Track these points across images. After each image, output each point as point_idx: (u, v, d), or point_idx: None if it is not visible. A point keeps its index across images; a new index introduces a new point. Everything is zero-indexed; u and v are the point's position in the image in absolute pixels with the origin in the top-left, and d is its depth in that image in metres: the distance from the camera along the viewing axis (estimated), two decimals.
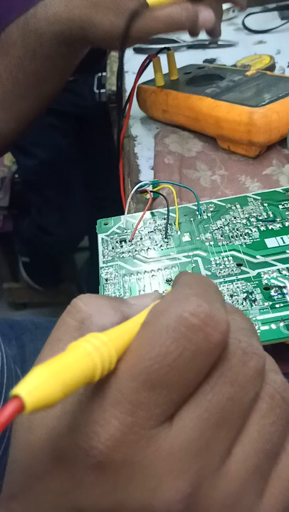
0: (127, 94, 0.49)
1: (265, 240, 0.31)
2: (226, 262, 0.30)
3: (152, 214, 0.35)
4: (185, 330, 0.14)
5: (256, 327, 0.27)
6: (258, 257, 0.30)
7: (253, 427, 0.16)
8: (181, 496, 0.14)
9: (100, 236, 0.34)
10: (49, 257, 1.26)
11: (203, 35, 0.70)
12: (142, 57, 0.48)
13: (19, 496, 0.16)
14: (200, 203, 0.34)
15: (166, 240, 0.32)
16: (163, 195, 0.35)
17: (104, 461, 0.14)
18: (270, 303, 0.28)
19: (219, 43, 0.68)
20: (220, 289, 0.29)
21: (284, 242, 0.31)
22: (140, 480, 0.15)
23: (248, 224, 0.33)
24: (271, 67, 0.58)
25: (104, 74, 1.00)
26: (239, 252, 0.31)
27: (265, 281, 0.29)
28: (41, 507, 0.16)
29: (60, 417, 0.16)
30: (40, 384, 0.12)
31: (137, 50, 0.67)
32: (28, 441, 0.16)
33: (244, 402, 0.15)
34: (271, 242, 0.31)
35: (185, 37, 0.69)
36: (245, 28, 0.72)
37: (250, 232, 0.32)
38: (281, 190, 0.35)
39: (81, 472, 0.15)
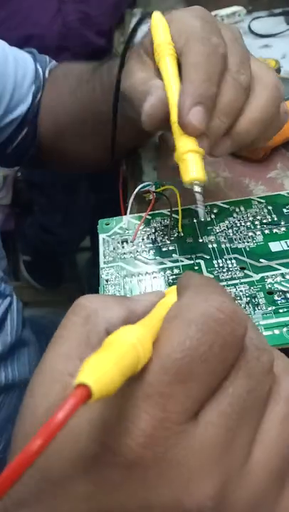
0: None
1: (269, 243, 0.31)
2: (229, 265, 0.30)
3: (155, 215, 0.34)
4: (214, 324, 0.15)
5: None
6: (261, 260, 0.30)
7: (272, 430, 0.16)
8: (212, 493, 0.14)
9: (101, 236, 0.33)
10: (51, 257, 1.26)
11: None
12: None
13: (30, 503, 0.15)
14: (204, 205, 0.34)
15: (168, 242, 0.32)
16: (166, 197, 0.34)
17: (134, 459, 0.14)
18: (274, 308, 0.27)
19: None
20: None
21: (288, 247, 0.30)
22: (170, 478, 0.14)
23: (252, 227, 0.32)
24: (277, 71, 0.57)
25: None
26: (243, 255, 0.30)
27: (269, 286, 0.28)
28: None
29: (79, 418, 0.15)
30: (105, 372, 0.13)
31: None
32: None
33: (261, 395, 0.16)
34: (275, 246, 0.31)
35: None
36: (251, 32, 0.72)
37: (254, 235, 0.32)
38: (286, 194, 0.34)
39: (108, 473, 0.14)
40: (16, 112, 0.48)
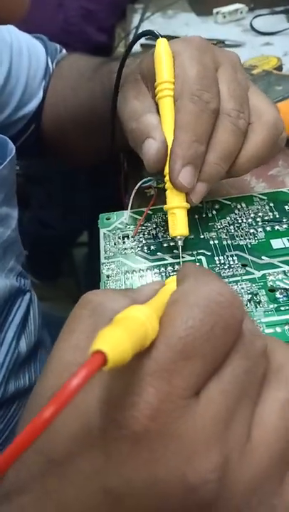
0: None
1: (271, 240, 0.31)
2: (231, 262, 0.30)
3: (156, 211, 0.34)
4: (215, 306, 0.16)
5: (260, 329, 0.26)
6: (263, 257, 0.30)
7: (273, 414, 0.16)
8: (214, 466, 0.15)
9: (102, 231, 0.33)
10: (48, 251, 1.25)
11: (211, 35, 0.70)
12: None
13: (31, 489, 0.16)
14: (205, 201, 0.34)
15: (169, 238, 0.32)
16: None
17: (140, 431, 0.14)
18: (275, 305, 0.27)
19: (227, 43, 0.68)
20: None
21: None
22: (174, 451, 0.15)
23: (254, 224, 0.32)
24: (278, 69, 0.57)
25: None
26: (244, 252, 0.30)
27: (270, 283, 0.28)
28: (62, 493, 0.15)
29: (84, 393, 0.15)
30: (119, 342, 0.13)
31: (144, 47, 0.66)
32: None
33: (257, 376, 0.17)
34: (277, 243, 0.30)
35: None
36: (253, 29, 0.71)
37: (255, 232, 0.31)
38: (287, 191, 0.34)
39: (114, 448, 0.15)
40: (27, 108, 0.48)
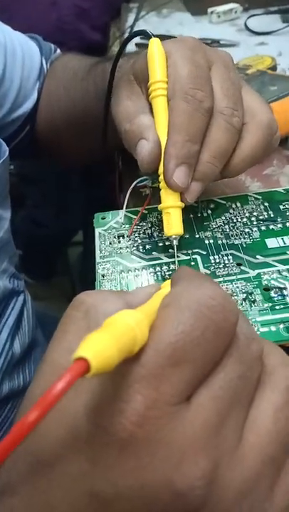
0: None
1: (266, 240, 0.31)
2: (226, 261, 0.30)
3: (151, 210, 0.34)
4: (207, 310, 0.15)
5: (255, 328, 0.26)
6: (258, 257, 0.30)
7: (266, 418, 0.16)
8: (202, 473, 0.14)
9: (97, 230, 0.33)
10: (42, 250, 1.25)
11: (205, 34, 0.70)
12: None
13: (20, 490, 0.16)
14: (200, 200, 0.34)
15: (164, 237, 0.32)
16: None
17: (127, 438, 0.14)
18: (270, 304, 0.27)
19: (221, 42, 0.68)
20: None
21: (284, 243, 0.30)
22: (162, 457, 0.14)
23: (249, 223, 0.32)
24: (272, 68, 0.57)
25: None
26: (239, 251, 0.30)
27: (265, 282, 0.28)
28: (50, 495, 0.15)
29: (74, 398, 0.16)
30: (104, 348, 0.13)
31: (139, 46, 0.66)
32: (38, 428, 0.16)
33: (251, 381, 0.16)
34: (272, 243, 0.31)
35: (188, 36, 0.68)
36: (248, 29, 0.72)
37: (250, 231, 0.32)
38: (282, 191, 0.34)
39: (102, 453, 0.15)
40: (21, 109, 0.48)
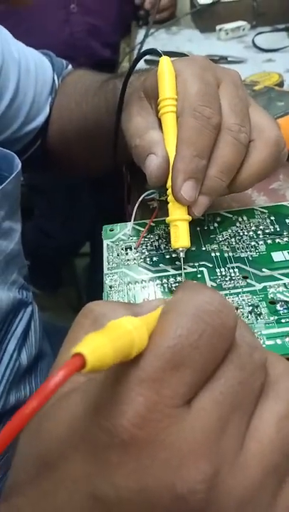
0: None
1: (272, 253, 0.31)
2: (232, 274, 0.30)
3: (158, 223, 0.34)
4: (204, 315, 0.16)
5: (261, 341, 0.26)
6: (264, 270, 0.30)
7: (269, 427, 0.16)
8: (203, 477, 0.15)
9: (105, 242, 0.33)
10: (50, 261, 1.26)
11: (214, 51, 0.71)
12: None
13: (27, 491, 0.16)
14: (207, 213, 0.34)
15: (171, 249, 0.32)
16: None
17: (128, 439, 0.15)
18: (276, 317, 0.27)
19: (229, 59, 0.69)
20: None
21: None
22: (163, 460, 0.15)
23: (255, 237, 0.33)
24: (280, 85, 0.58)
25: None
26: (245, 264, 0.31)
27: (271, 295, 0.28)
28: (55, 496, 0.16)
29: (80, 403, 0.16)
30: (100, 346, 0.13)
31: (148, 63, 0.67)
32: (44, 430, 0.16)
33: (253, 388, 0.17)
34: (278, 256, 0.31)
35: (196, 52, 0.69)
36: (255, 46, 0.73)
37: (256, 245, 0.32)
38: (288, 205, 0.35)
39: (104, 454, 0.15)
40: (34, 123, 0.49)
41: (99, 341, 0.14)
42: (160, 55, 0.31)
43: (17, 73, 0.45)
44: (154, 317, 0.17)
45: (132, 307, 0.19)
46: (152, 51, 0.32)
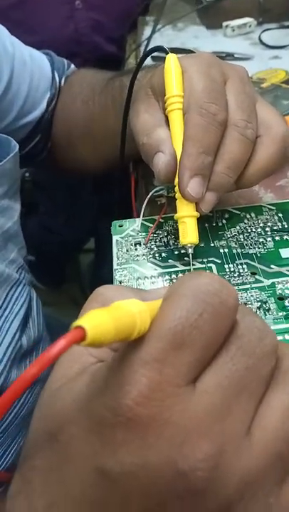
0: None
1: (280, 250, 0.31)
2: (240, 270, 0.30)
3: (167, 219, 0.35)
4: (203, 295, 0.16)
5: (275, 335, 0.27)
6: (272, 266, 0.30)
7: (275, 415, 0.16)
8: (204, 456, 0.15)
9: (114, 238, 0.34)
10: (54, 257, 1.26)
11: (220, 48, 0.71)
12: None
13: (38, 465, 0.17)
14: (215, 210, 0.34)
15: (180, 246, 0.32)
16: None
17: (132, 418, 0.15)
18: (284, 313, 0.28)
19: (235, 56, 0.69)
20: None
21: None
22: (166, 438, 0.15)
23: (263, 233, 0.33)
24: (286, 82, 0.58)
25: None
26: (253, 260, 0.31)
27: (280, 291, 0.29)
28: (64, 470, 0.16)
29: (88, 383, 0.17)
30: (101, 323, 0.14)
31: (155, 59, 0.67)
32: (54, 408, 0.17)
33: (261, 373, 0.17)
34: (286, 253, 0.31)
35: (203, 49, 0.69)
36: (262, 42, 0.73)
37: (264, 241, 0.32)
38: None
39: (110, 432, 0.15)
40: (30, 117, 0.49)
41: (101, 318, 0.14)
42: (167, 52, 0.31)
43: (11, 64, 0.46)
44: (158, 304, 0.17)
45: (141, 293, 0.20)
46: (159, 48, 0.32)
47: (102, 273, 1.14)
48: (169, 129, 0.30)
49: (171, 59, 0.30)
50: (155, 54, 0.66)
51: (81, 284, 1.31)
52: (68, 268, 1.36)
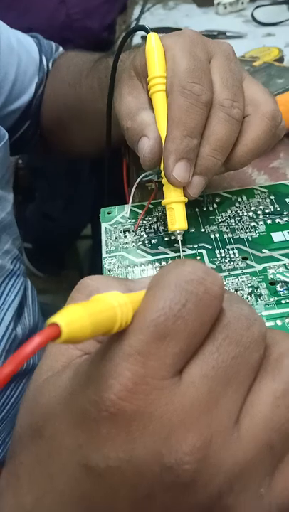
0: None
1: (272, 233, 0.31)
2: (232, 256, 0.30)
3: (157, 204, 0.34)
4: (186, 284, 0.16)
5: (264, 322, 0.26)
6: (264, 251, 0.30)
7: (265, 404, 0.16)
8: (190, 448, 0.15)
9: (103, 225, 0.33)
10: (52, 244, 1.26)
11: (212, 26, 0.69)
12: None
13: (24, 460, 0.17)
14: (206, 194, 0.34)
15: (169, 232, 0.32)
16: None
17: (116, 412, 0.15)
18: (276, 298, 0.27)
19: (228, 34, 0.67)
20: (225, 283, 0.28)
21: None
22: (152, 431, 0.15)
23: (255, 217, 0.32)
24: (280, 60, 0.57)
25: None
26: (245, 245, 0.30)
27: (271, 276, 0.28)
28: (50, 465, 0.16)
29: (72, 377, 0.16)
30: (77, 319, 0.14)
31: (144, 39, 0.66)
32: (39, 403, 0.17)
33: (249, 362, 0.16)
34: (278, 237, 0.31)
35: (194, 28, 0.68)
36: (254, 20, 0.71)
37: (256, 225, 0.31)
38: None
39: (94, 427, 0.15)
40: (18, 102, 0.48)
41: (77, 313, 0.14)
42: (148, 32, 0.30)
43: None
44: (142, 295, 0.17)
45: (127, 283, 0.19)
46: (140, 28, 0.31)
47: (100, 259, 1.14)
48: (153, 112, 0.29)
49: (153, 38, 0.29)
50: (144, 34, 0.65)
51: (80, 271, 1.31)
52: (68, 255, 1.36)
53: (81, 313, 0.14)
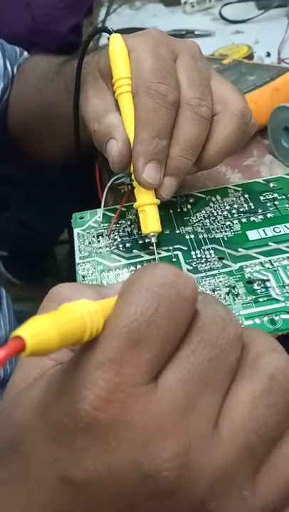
0: None
1: (247, 232, 0.30)
2: (208, 256, 0.29)
3: (130, 207, 0.33)
4: (157, 289, 0.15)
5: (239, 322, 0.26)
6: (239, 250, 0.29)
7: (244, 406, 0.16)
8: (169, 455, 0.14)
9: (75, 231, 0.32)
10: (29, 251, 1.24)
11: (180, 25, 0.69)
12: None
13: (4, 479, 0.16)
14: (179, 195, 0.33)
15: (143, 235, 0.31)
16: None
17: (91, 422, 0.14)
18: (254, 297, 0.27)
19: (196, 33, 0.67)
20: (202, 283, 0.28)
21: (266, 235, 0.30)
22: (128, 440, 0.15)
23: (229, 216, 0.32)
24: (249, 57, 0.57)
25: None
26: (220, 245, 0.30)
27: (248, 275, 0.28)
28: (27, 480, 0.16)
29: (45, 389, 0.16)
30: (42, 330, 0.13)
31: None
32: (13, 418, 0.17)
33: (225, 364, 0.16)
34: (253, 235, 0.30)
35: (162, 27, 0.67)
36: (222, 18, 0.71)
37: (231, 224, 0.31)
38: (262, 181, 0.34)
39: (70, 438, 0.15)
40: None
41: (44, 324, 0.13)
42: (110, 33, 0.29)
43: None
44: (113, 302, 0.16)
45: (100, 289, 0.19)
46: (103, 29, 0.30)
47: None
48: (120, 114, 0.29)
49: (116, 39, 0.29)
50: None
51: (60, 277, 1.29)
52: (48, 261, 1.34)
53: (48, 324, 0.13)
